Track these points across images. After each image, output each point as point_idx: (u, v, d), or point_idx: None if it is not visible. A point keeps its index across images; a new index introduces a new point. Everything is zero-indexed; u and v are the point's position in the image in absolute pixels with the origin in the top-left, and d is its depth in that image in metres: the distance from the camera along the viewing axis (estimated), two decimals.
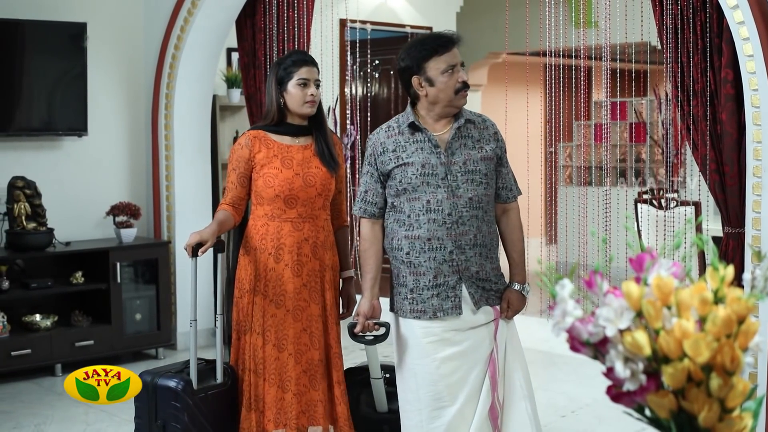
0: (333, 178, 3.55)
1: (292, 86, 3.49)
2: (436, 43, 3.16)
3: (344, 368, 3.60)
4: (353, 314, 3.38)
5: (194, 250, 3.27)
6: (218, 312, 3.40)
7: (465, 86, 3.16)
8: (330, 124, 7.00)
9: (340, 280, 3.65)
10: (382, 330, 3.36)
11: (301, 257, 3.47)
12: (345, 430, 3.52)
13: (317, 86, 3.53)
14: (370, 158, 3.25)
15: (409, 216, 3.17)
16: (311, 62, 3.55)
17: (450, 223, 3.12)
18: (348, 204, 3.96)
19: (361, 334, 3.32)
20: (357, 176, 7.44)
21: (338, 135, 7.03)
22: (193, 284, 3.43)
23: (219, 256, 3.42)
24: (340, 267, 3.65)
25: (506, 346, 3.24)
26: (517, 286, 3.27)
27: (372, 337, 3.39)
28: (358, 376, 3.71)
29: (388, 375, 3.55)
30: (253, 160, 3.50)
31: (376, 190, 3.25)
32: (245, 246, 3.50)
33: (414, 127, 3.19)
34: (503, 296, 3.25)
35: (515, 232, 3.31)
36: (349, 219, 4.02)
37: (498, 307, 3.24)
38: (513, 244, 3.31)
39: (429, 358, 3.17)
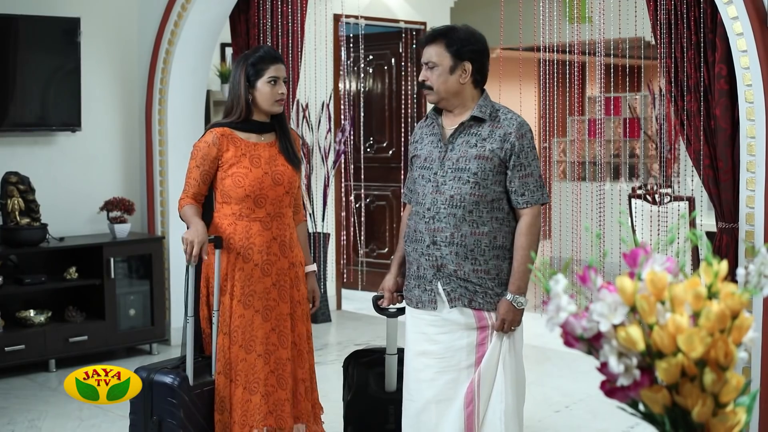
0: (297, 175, 3.52)
1: (262, 84, 3.42)
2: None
3: (352, 351, 3.60)
4: (379, 288, 3.42)
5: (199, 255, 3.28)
6: (214, 308, 3.39)
7: (422, 85, 3.19)
8: (323, 119, 7.01)
9: (305, 275, 3.60)
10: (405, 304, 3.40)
11: (271, 256, 3.42)
12: (311, 426, 3.49)
13: (285, 83, 3.48)
14: None
15: (413, 206, 3.27)
16: (280, 59, 3.49)
17: (428, 218, 3.13)
18: (345, 199, 3.95)
19: (384, 306, 3.41)
20: (348, 171, 7.43)
21: (332, 130, 7.03)
22: (191, 281, 3.42)
23: (217, 252, 3.40)
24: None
25: (499, 361, 3.10)
26: (509, 296, 3.09)
27: (395, 310, 3.49)
28: (364, 358, 3.77)
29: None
30: (220, 158, 3.40)
31: (412, 177, 3.29)
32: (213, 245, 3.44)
33: (433, 118, 3.24)
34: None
35: (519, 238, 3.10)
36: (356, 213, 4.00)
37: (486, 314, 3.11)
38: (514, 250, 3.11)
39: (408, 348, 3.24)
